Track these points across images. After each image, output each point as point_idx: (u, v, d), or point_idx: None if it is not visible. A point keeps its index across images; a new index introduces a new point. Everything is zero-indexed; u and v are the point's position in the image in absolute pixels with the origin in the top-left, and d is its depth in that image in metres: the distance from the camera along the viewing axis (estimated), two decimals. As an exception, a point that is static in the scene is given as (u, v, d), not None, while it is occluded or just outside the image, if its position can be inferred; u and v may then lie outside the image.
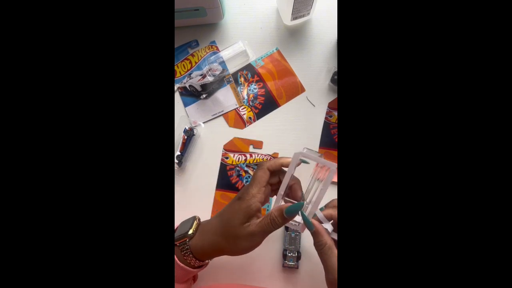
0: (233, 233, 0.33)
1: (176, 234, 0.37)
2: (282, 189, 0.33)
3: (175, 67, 0.54)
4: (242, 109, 0.52)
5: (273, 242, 0.48)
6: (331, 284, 0.32)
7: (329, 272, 0.31)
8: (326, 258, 0.31)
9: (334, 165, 0.31)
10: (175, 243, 0.36)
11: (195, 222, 0.38)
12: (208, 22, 0.53)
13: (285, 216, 0.32)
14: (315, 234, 0.32)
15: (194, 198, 0.50)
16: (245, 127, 0.52)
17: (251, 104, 0.52)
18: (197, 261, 0.36)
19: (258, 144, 0.51)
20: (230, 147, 0.51)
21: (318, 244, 0.32)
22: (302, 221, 0.33)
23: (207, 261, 0.39)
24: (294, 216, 0.32)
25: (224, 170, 0.51)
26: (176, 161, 0.49)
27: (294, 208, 0.32)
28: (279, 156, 0.51)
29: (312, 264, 0.47)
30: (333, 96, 0.52)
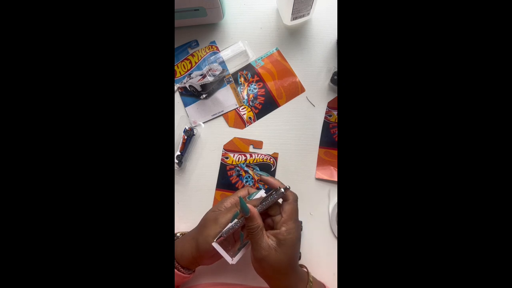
0: (204, 218, 0.40)
1: None
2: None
3: (175, 67, 0.54)
4: (242, 109, 0.52)
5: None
6: (258, 261, 0.35)
7: (257, 251, 0.35)
8: (257, 238, 0.35)
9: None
10: None
11: (179, 233, 0.46)
12: (208, 22, 0.53)
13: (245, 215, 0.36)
14: (249, 218, 0.35)
15: (194, 198, 0.50)
16: (245, 127, 0.52)
17: (251, 104, 0.52)
18: (179, 267, 0.40)
19: (258, 144, 0.51)
20: (230, 147, 0.51)
21: (252, 228, 0.35)
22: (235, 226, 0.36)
23: (187, 273, 0.41)
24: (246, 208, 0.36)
25: (224, 170, 0.51)
26: (176, 161, 0.49)
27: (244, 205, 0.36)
28: (278, 153, 0.51)
29: (312, 264, 0.47)
30: (333, 96, 0.52)
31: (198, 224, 0.41)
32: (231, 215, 0.37)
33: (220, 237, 0.36)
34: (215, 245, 0.36)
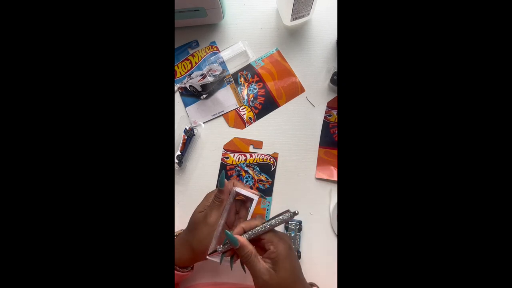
0: (193, 220, 0.40)
1: None
2: (222, 218, 0.39)
3: (176, 68, 0.54)
4: (242, 109, 0.52)
5: (273, 242, 0.48)
6: (261, 287, 0.34)
7: (258, 277, 0.34)
8: (253, 264, 0.34)
9: (256, 197, 0.38)
10: None
11: (180, 230, 0.45)
12: (208, 23, 0.53)
13: (219, 188, 0.38)
14: (240, 248, 0.34)
15: (194, 198, 0.50)
16: (245, 127, 0.52)
17: (251, 104, 0.52)
18: (177, 267, 0.40)
19: (258, 144, 0.51)
20: (230, 147, 0.51)
21: (246, 256, 0.34)
22: (222, 249, 0.36)
23: (185, 271, 0.41)
24: (225, 184, 0.38)
25: (224, 170, 0.51)
26: (176, 161, 0.49)
27: (222, 178, 0.38)
28: (278, 153, 0.51)
29: (312, 264, 0.47)
30: (333, 96, 0.52)
31: (188, 227, 0.41)
32: (217, 212, 0.38)
33: (213, 251, 0.37)
34: (210, 257, 0.37)
